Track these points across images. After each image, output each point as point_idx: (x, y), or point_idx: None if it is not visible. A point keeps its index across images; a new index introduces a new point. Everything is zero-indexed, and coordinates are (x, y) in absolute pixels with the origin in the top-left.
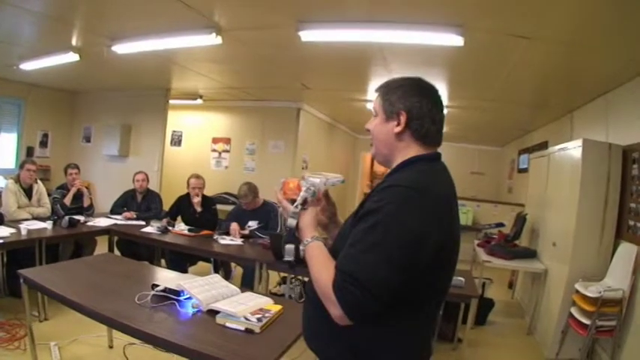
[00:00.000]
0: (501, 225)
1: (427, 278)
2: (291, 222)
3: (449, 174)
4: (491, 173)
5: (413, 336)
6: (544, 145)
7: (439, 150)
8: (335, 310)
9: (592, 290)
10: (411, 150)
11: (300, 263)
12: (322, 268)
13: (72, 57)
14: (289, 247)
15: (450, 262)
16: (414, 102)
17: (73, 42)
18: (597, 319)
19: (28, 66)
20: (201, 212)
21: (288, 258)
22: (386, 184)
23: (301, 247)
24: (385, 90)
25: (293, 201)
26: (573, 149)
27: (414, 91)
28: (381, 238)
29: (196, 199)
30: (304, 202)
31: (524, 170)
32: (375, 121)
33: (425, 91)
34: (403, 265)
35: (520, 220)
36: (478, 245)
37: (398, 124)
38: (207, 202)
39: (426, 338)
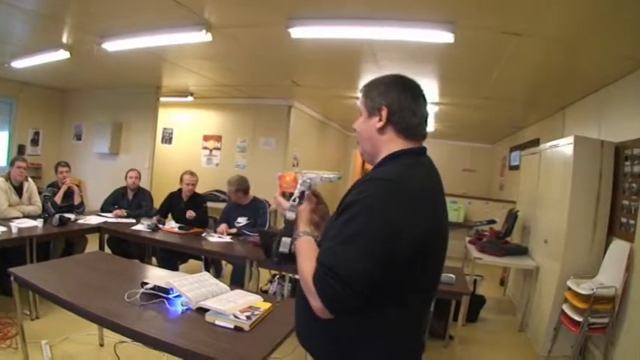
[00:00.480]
0: (493, 222)
1: (408, 273)
2: (291, 215)
3: (435, 168)
4: (482, 170)
5: (398, 332)
6: (536, 142)
7: (432, 146)
8: (315, 303)
9: (584, 287)
10: (395, 144)
11: (292, 257)
12: (308, 262)
13: (63, 55)
14: (285, 239)
15: (434, 258)
16: (394, 96)
17: (64, 39)
18: (590, 317)
19: (19, 64)
20: (192, 210)
21: (283, 250)
22: (367, 177)
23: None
24: (367, 88)
25: (289, 194)
26: (565, 146)
27: (395, 86)
28: (360, 231)
29: (189, 214)
30: (301, 196)
31: (516, 167)
32: (359, 120)
33: (406, 87)
34: (382, 258)
35: (511, 217)
36: (469, 242)
37: (380, 120)
38: (198, 199)
39: (413, 334)
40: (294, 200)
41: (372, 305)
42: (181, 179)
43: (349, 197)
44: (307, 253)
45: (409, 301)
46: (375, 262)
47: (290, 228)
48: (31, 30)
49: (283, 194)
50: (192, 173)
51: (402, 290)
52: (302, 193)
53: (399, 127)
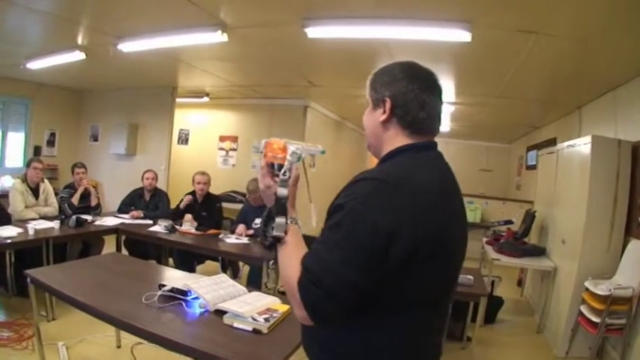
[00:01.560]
0: (510, 222)
1: (410, 277)
2: (282, 192)
3: (445, 165)
4: (499, 170)
5: (402, 339)
6: (552, 142)
7: (448, 146)
8: (298, 311)
9: (602, 288)
10: (398, 140)
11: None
12: (292, 263)
13: (78, 56)
14: (280, 220)
15: (437, 262)
16: (399, 87)
17: (79, 41)
18: (607, 317)
19: (34, 65)
20: (207, 211)
21: (278, 233)
22: (357, 178)
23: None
24: (373, 77)
25: (278, 166)
26: (582, 146)
27: (402, 75)
28: (344, 237)
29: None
30: (290, 169)
31: (533, 167)
32: (365, 112)
33: (414, 76)
34: (371, 264)
35: (529, 217)
36: (487, 243)
37: (383, 112)
38: (212, 200)
39: (422, 341)
40: (284, 174)
41: (371, 311)
42: (193, 180)
43: (338, 200)
44: (293, 251)
45: (415, 306)
46: (362, 268)
47: (282, 207)
48: (47, 31)
49: (271, 165)
50: (203, 173)
51: (404, 295)
52: (291, 166)
53: (404, 122)
